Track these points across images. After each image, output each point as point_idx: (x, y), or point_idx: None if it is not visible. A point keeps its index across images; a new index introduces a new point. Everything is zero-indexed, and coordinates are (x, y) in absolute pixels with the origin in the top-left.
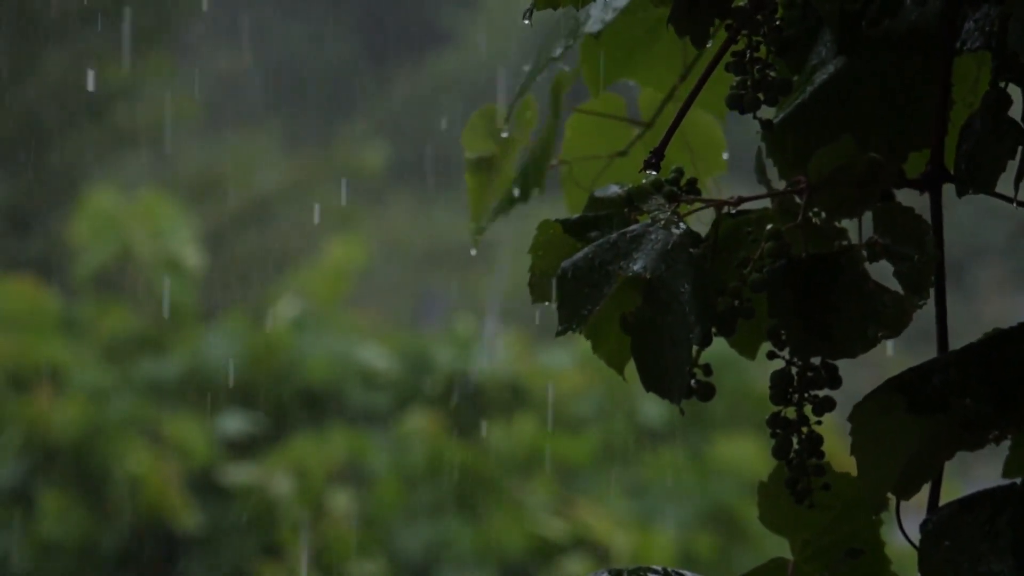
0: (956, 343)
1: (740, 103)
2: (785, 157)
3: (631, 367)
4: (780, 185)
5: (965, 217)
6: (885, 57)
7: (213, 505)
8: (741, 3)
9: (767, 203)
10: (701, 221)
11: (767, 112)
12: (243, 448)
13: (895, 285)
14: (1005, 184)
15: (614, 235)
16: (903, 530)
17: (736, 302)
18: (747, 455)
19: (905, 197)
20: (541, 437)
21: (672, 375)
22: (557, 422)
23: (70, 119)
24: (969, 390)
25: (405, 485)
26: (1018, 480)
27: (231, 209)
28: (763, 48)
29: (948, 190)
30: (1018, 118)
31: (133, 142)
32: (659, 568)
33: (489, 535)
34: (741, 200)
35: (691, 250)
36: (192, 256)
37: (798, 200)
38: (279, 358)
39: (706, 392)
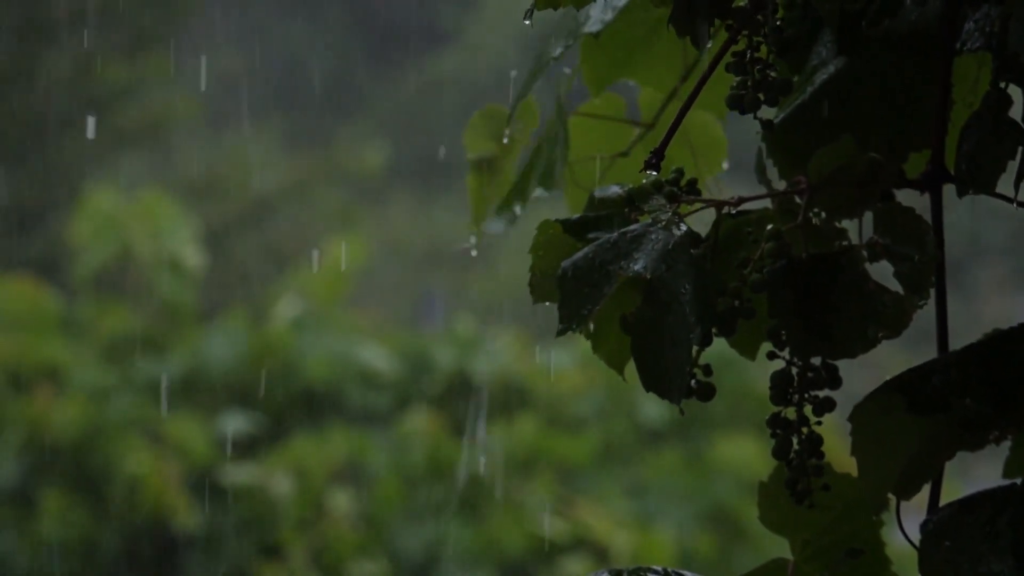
0: (956, 343)
1: (740, 103)
2: (785, 157)
3: (631, 367)
4: (780, 185)
5: (965, 217)
6: (885, 57)
7: (213, 505)
8: (741, 3)
9: (767, 203)
10: (702, 221)
11: (767, 112)
12: (243, 448)
13: (895, 285)
14: (1005, 184)
15: (614, 235)
16: (903, 530)
17: (736, 302)
18: (747, 455)
19: (905, 197)
20: (541, 437)
21: (672, 375)
22: (557, 422)
23: (70, 119)
24: (969, 390)
25: (405, 485)
26: (1018, 480)
27: (231, 209)
28: (763, 48)
29: (948, 190)
30: (1018, 119)
31: (133, 142)
32: (659, 568)
33: (489, 535)
34: (741, 200)
35: (692, 250)
36: (192, 256)
37: (798, 200)
38: (279, 358)
39: (706, 392)
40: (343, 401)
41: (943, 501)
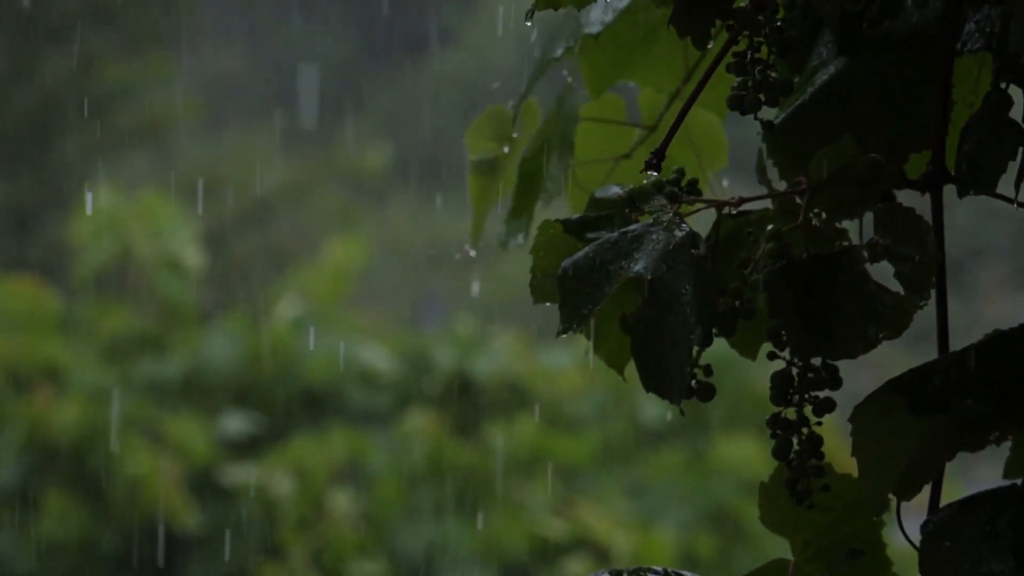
0: (957, 344)
1: (741, 104)
2: (786, 158)
3: (631, 367)
4: (781, 186)
5: (966, 218)
6: (886, 58)
7: (213, 505)
8: (742, 4)
9: (768, 204)
10: (702, 221)
11: (768, 113)
12: (243, 448)
13: (896, 286)
14: (1006, 185)
15: (615, 235)
16: (904, 531)
17: (737, 303)
18: (747, 456)
19: (906, 198)
20: (541, 437)
21: (672, 375)
22: (557, 422)
23: (70, 119)
24: (970, 391)
25: (405, 485)
26: (1019, 481)
27: (231, 209)
28: (764, 49)
29: (949, 191)
30: (1019, 119)
31: (133, 142)
32: (659, 568)
33: (489, 535)
34: (742, 201)
35: (692, 251)
36: (192, 256)
37: (799, 201)
38: (279, 358)
39: (706, 393)
40: (343, 401)
41: (944, 502)
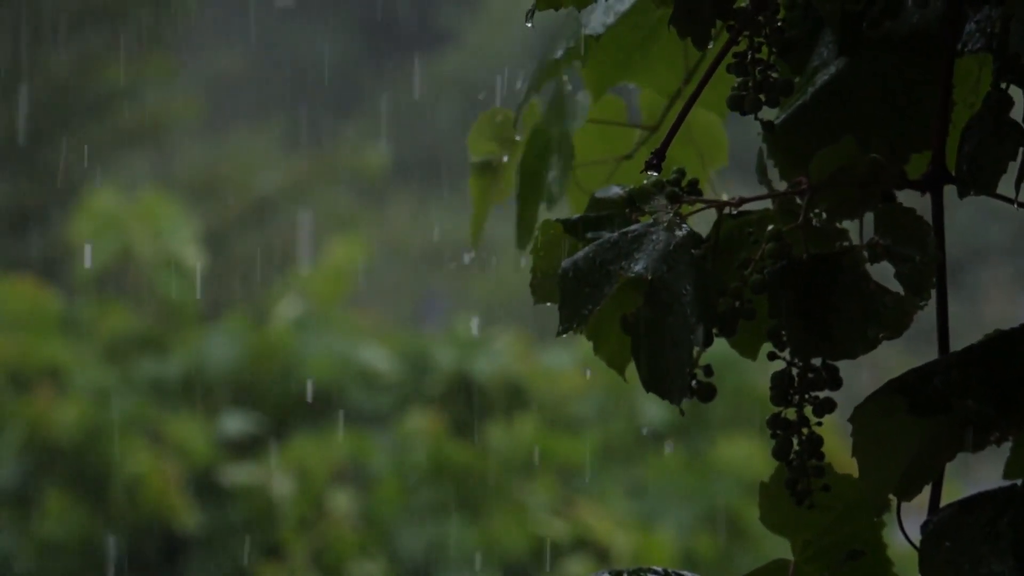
0: (957, 344)
1: (741, 104)
2: (786, 158)
3: (632, 368)
4: (781, 186)
5: (966, 218)
6: (886, 58)
7: (213, 505)
8: (743, 4)
9: (768, 204)
10: (703, 222)
11: (768, 113)
12: (243, 448)
13: (896, 286)
14: (1006, 185)
15: (615, 235)
16: (904, 531)
17: (737, 303)
18: (748, 456)
19: (906, 198)
20: (541, 437)
21: (673, 376)
22: (557, 422)
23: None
24: (970, 391)
25: (405, 485)
26: (1019, 481)
27: (231, 209)
28: (765, 49)
29: (949, 191)
30: (1020, 120)
31: (133, 142)
32: (660, 569)
33: (490, 535)
34: (743, 201)
35: (693, 251)
36: (192, 256)
37: (799, 201)
38: (279, 358)
39: (707, 393)
40: (344, 401)
41: (944, 502)
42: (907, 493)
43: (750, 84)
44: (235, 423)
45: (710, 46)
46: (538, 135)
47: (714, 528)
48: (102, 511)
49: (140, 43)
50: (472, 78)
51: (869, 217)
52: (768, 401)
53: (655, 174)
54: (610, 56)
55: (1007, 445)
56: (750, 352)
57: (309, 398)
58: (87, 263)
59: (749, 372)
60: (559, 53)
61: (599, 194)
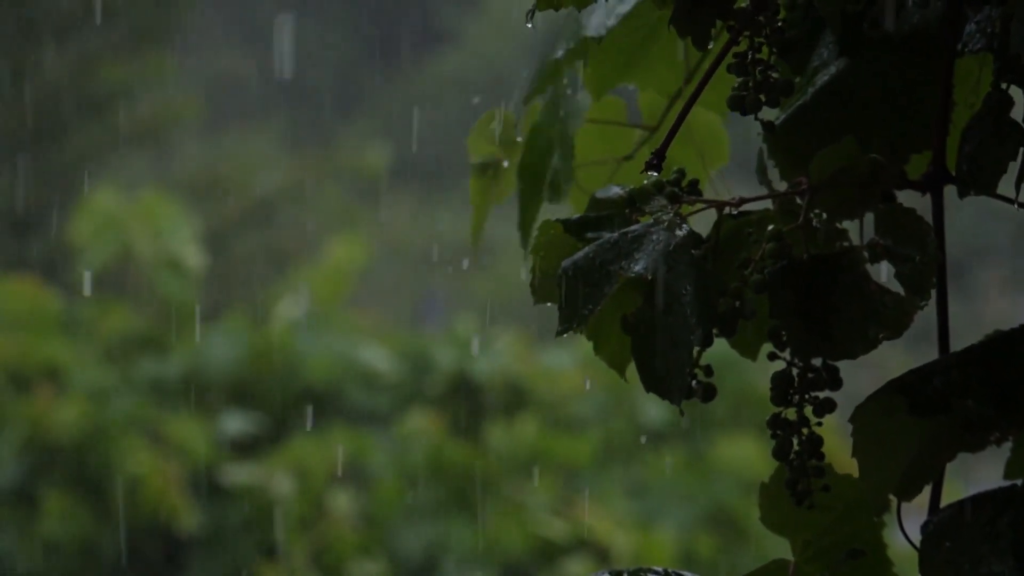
0: (957, 344)
1: (742, 104)
2: (787, 158)
3: (632, 368)
4: (781, 186)
5: (966, 219)
6: (887, 59)
7: (213, 505)
8: (743, 4)
9: (769, 204)
10: (703, 222)
11: (769, 113)
12: (243, 448)
13: (896, 286)
14: (1006, 186)
15: (615, 235)
16: (904, 531)
17: (737, 303)
18: (748, 456)
19: (907, 198)
20: (541, 437)
21: (673, 376)
22: (557, 422)
23: (70, 119)
24: (970, 391)
25: (405, 485)
26: (1019, 482)
27: (232, 209)
28: (765, 49)
29: (950, 191)
30: (1020, 120)
31: (133, 142)
32: (660, 569)
33: (490, 535)
34: (743, 201)
35: (693, 251)
36: (193, 256)
37: (799, 201)
38: (279, 358)
39: (707, 393)
40: (343, 401)
41: (944, 502)
42: (907, 493)
43: (750, 84)
44: (235, 423)
45: (710, 46)
46: (538, 135)
47: (714, 528)
48: (102, 511)
49: (140, 43)
50: (472, 78)
51: (869, 217)
52: (768, 401)
53: (655, 174)
54: (611, 57)
55: (1007, 445)
56: (750, 352)
57: (309, 398)
58: (87, 263)
59: (749, 372)
60: (560, 54)
61: (599, 194)
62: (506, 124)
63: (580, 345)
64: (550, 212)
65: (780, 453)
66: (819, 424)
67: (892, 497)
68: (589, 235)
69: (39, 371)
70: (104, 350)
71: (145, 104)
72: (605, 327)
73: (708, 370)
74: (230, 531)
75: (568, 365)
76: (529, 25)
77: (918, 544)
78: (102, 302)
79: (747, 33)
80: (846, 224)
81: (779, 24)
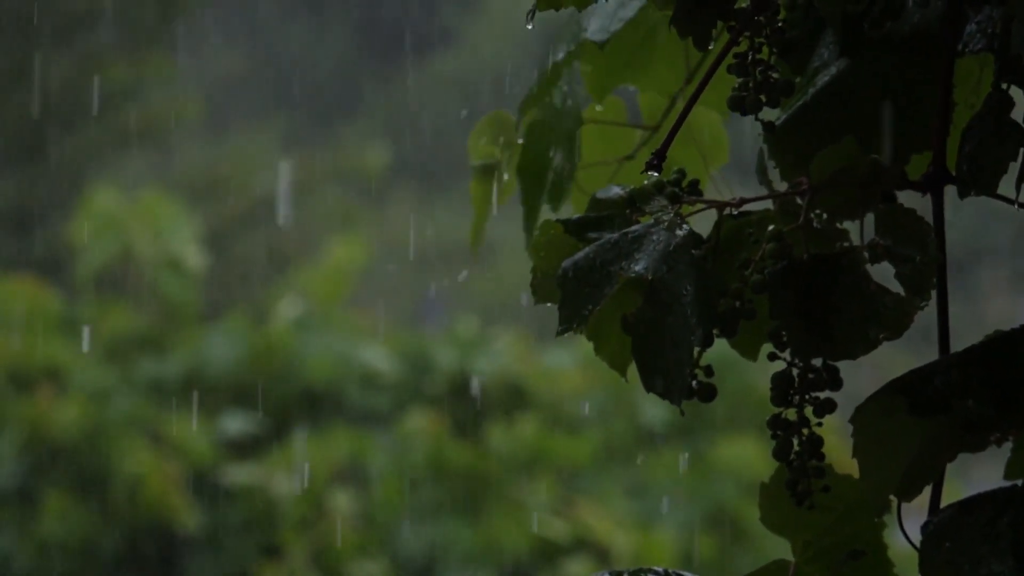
0: (958, 345)
1: (742, 105)
2: (787, 158)
3: (632, 368)
4: (782, 186)
5: (967, 219)
6: (887, 59)
7: (213, 505)
8: (743, 5)
9: (769, 204)
10: (703, 222)
11: (769, 114)
12: (243, 448)
13: (897, 287)
14: (1007, 186)
15: (616, 235)
16: (904, 532)
17: (737, 303)
18: (748, 456)
19: (907, 199)
20: (541, 437)
21: (673, 376)
22: (557, 422)
23: (70, 119)
24: (971, 392)
25: (406, 485)
26: (1019, 482)
27: (232, 209)
28: (765, 50)
29: (950, 192)
30: (1020, 120)
31: (133, 142)
32: (660, 569)
33: (490, 535)
34: (743, 201)
35: (693, 251)
36: (193, 256)
37: (800, 201)
38: (279, 358)
39: (707, 393)
40: (343, 401)
41: (944, 503)
42: (908, 494)
43: (751, 85)
44: (235, 423)
45: (711, 47)
46: (537, 136)
47: (714, 528)
48: (102, 511)
49: (140, 43)
50: (472, 78)
51: (869, 218)
52: (768, 402)
53: (656, 174)
54: (612, 58)
55: (1007, 445)
56: (750, 353)
57: (309, 398)
58: (87, 263)
59: (749, 373)
60: (560, 55)
61: (600, 194)
62: (507, 126)
63: (580, 345)
64: (553, 212)
65: (780, 453)
66: (819, 424)
67: (892, 498)
68: (589, 235)
69: (39, 371)
70: (104, 350)
71: (146, 104)
72: (605, 327)
73: (708, 370)
74: (230, 531)
75: (568, 365)
76: (529, 25)
77: (918, 544)
78: (102, 302)
79: (747, 33)
80: (846, 224)
81: (779, 24)
